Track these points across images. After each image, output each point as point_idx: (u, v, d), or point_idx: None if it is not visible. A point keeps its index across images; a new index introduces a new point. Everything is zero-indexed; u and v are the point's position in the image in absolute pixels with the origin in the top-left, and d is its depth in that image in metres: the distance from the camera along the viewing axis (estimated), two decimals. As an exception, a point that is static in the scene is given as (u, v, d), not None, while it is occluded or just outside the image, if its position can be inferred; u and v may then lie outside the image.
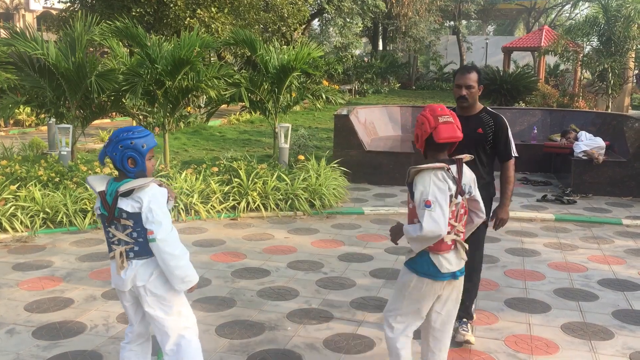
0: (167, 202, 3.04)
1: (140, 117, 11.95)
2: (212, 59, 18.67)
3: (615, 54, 13.82)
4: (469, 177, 3.15)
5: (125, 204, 2.91)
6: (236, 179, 7.64)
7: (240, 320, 4.37)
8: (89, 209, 6.77)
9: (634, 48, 14.25)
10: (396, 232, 3.17)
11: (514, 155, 4.05)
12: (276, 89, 9.52)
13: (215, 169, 8.04)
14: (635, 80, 16.92)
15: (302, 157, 9.06)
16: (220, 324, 4.28)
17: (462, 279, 3.16)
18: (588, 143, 8.79)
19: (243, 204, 7.32)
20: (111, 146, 2.92)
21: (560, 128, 10.15)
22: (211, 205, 7.23)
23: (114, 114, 14.19)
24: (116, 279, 3.03)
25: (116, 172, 3.05)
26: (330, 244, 6.32)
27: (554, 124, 10.85)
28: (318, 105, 10.37)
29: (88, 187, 6.50)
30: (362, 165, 9.23)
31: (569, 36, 15.33)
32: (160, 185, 3.02)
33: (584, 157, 8.67)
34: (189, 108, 14.97)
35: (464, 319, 4.09)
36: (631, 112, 14.69)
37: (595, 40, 14.89)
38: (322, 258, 5.83)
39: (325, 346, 3.98)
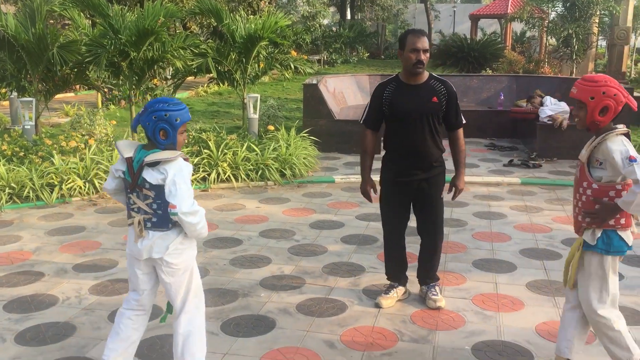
0: None
1: (106, 89, 11.74)
2: (177, 29, 18.33)
3: (579, 19, 14.01)
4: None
5: (150, 175, 2.90)
6: (206, 150, 7.61)
7: (214, 288, 4.40)
8: (56, 183, 6.68)
9: (598, 13, 14.45)
10: (609, 210, 2.91)
11: (463, 122, 3.96)
12: (244, 59, 9.42)
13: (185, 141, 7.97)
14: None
15: (271, 128, 9.05)
16: (193, 293, 4.31)
17: None
18: (553, 108, 8.95)
19: (213, 175, 7.30)
20: (145, 115, 2.91)
21: (526, 94, 10.30)
22: (181, 177, 7.18)
23: (78, 87, 13.90)
24: (132, 247, 3.02)
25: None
26: (301, 212, 6.37)
27: (520, 90, 11.00)
28: (287, 75, 10.32)
29: (53, 158, 6.40)
30: (332, 134, 9.25)
31: (534, 2, 15.44)
32: (185, 159, 2.99)
33: (548, 122, 8.84)
34: (155, 80, 14.71)
35: (432, 283, 4.16)
36: (595, 78, 14.92)
37: (560, 6, 15.04)
38: (293, 226, 5.88)
39: (298, 310, 4.05)
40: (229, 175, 7.37)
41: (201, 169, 7.39)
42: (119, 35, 8.15)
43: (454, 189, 4.03)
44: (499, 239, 5.53)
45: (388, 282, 4.26)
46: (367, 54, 31.60)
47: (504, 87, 11.23)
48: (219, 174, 7.35)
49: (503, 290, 4.40)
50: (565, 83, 10.95)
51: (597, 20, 15.04)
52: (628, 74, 18.65)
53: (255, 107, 9.19)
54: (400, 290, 4.21)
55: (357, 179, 7.72)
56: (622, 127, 2.94)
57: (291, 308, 4.08)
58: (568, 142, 8.81)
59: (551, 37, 16.51)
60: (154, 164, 2.88)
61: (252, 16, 11.67)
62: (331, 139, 9.19)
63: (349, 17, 35.78)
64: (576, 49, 14.30)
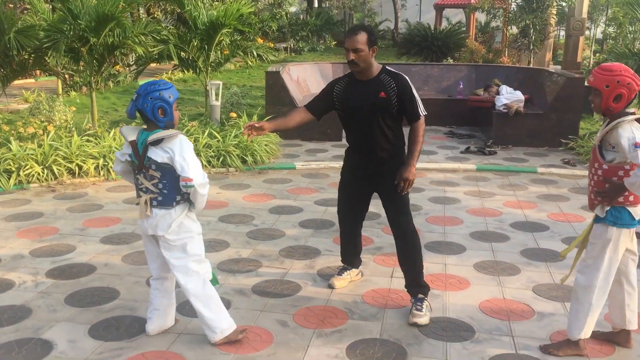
0: None
1: (66, 76, 11.59)
2: (141, 15, 18.10)
3: (536, 10, 14.34)
4: None
5: (155, 154, 3.17)
6: (167, 137, 7.61)
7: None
8: (13, 169, 6.64)
9: (554, 4, 14.80)
10: (617, 189, 3.10)
11: (422, 114, 3.78)
12: (206, 46, 9.43)
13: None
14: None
15: (234, 115, 9.10)
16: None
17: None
18: (508, 97, 9.20)
19: (174, 161, 7.32)
20: (140, 99, 3.14)
21: (485, 83, 10.55)
22: (142, 164, 7.20)
23: (38, 73, 13.66)
24: (140, 224, 3.36)
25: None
26: (261, 198, 6.48)
27: (479, 79, 11.25)
28: (249, 62, 10.34)
29: (18, 144, 6.35)
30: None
31: (495, -8, 15.74)
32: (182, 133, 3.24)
33: (504, 110, 9.10)
34: (117, 66, 14.55)
35: (420, 296, 3.85)
36: (552, 67, 15.35)
37: (519, -4, 15.37)
38: (253, 211, 5.98)
39: (253, 291, 4.17)
40: (190, 162, 7.40)
41: (162, 156, 7.40)
42: (79, 21, 8.06)
43: (400, 178, 3.74)
44: (451, 222, 5.73)
45: (342, 264, 4.38)
46: (334, 42, 31.63)
47: (463, 76, 11.47)
48: (180, 161, 7.38)
49: (451, 270, 4.59)
50: (522, 72, 11.24)
51: (554, 12, 15.41)
52: (587, 63, 19.16)
53: (217, 94, 9.22)
54: (353, 272, 4.32)
55: (317, 165, 7.86)
56: (633, 114, 3.10)
57: (247, 289, 4.20)
58: (523, 130, 9.09)
59: (511, 27, 16.85)
60: (157, 142, 3.14)
61: (216, 2, 11.66)
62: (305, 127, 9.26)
63: (316, 5, 35.72)
64: (533, 39, 14.65)
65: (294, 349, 3.42)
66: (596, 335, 3.52)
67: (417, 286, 3.89)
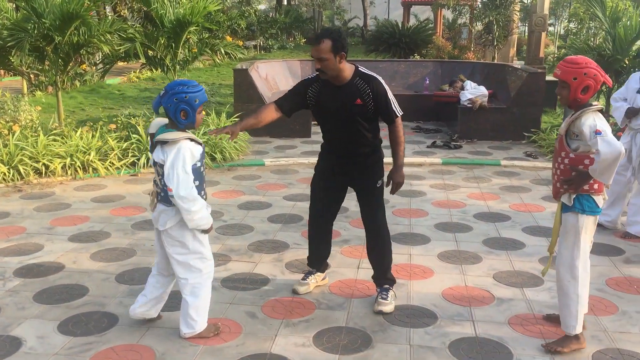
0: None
1: (32, 75, 11.44)
2: (107, 13, 17.92)
3: (500, 7, 14.65)
4: None
5: (157, 153, 3.25)
6: (135, 135, 7.62)
7: (141, 267, 4.52)
8: (-21, 170, 6.58)
9: (517, 1, 15.13)
10: (582, 177, 3.21)
11: (399, 114, 3.75)
12: (173, 44, 9.41)
13: (113, 126, 7.96)
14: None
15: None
16: (120, 272, 4.42)
17: None
18: (472, 92, 9.41)
19: (143, 159, 7.34)
20: (166, 97, 3.17)
21: (451, 79, 10.76)
22: (110, 162, 7.21)
23: (2, 73, 13.46)
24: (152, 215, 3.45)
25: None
26: (230, 194, 6.54)
27: (445, 75, 11.46)
28: (217, 60, 10.36)
29: None
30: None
31: (461, -10, 16.02)
32: (193, 140, 3.21)
33: (468, 105, 9.30)
34: (84, 66, 14.40)
35: (385, 286, 3.94)
36: (516, 63, 15.67)
37: (484, -6, 15.67)
38: (222, 207, 6.03)
39: (222, 285, 4.24)
40: (158, 160, 7.41)
41: (130, 154, 7.41)
42: (43, 19, 7.99)
43: (391, 182, 3.83)
44: (417, 214, 5.88)
45: (308, 268, 4.28)
46: (303, 40, 31.70)
47: (429, 72, 11.66)
48: (148, 159, 7.39)
49: (416, 260, 4.72)
50: (486, 68, 11.48)
51: (517, 9, 15.75)
52: (551, 59, 19.60)
53: (185, 92, 9.20)
54: (318, 276, 4.22)
55: (286, 161, 7.94)
56: (597, 105, 3.24)
57: (216, 283, 4.25)
58: (487, 124, 9.30)
59: (477, 24, 17.15)
60: (163, 142, 3.20)
61: (184, 0, 11.62)
62: (276, 125, 9.32)
63: (285, 2, 35.75)
64: (497, 36, 14.96)
65: (262, 339, 3.50)
66: (552, 318, 3.69)
67: (384, 278, 3.98)
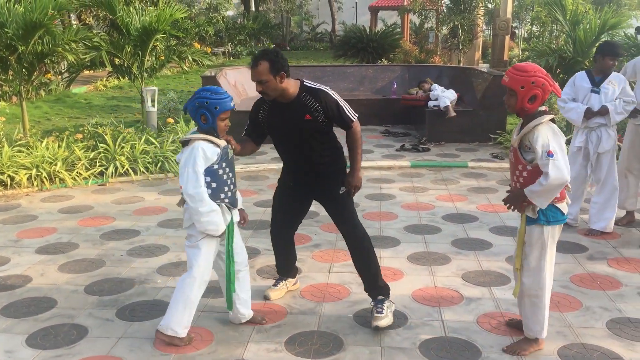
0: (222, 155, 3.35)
1: (-6, 85, 11.23)
2: (72, 22, 17.68)
3: (464, 11, 14.91)
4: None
5: (179, 154, 3.40)
6: (102, 145, 7.55)
7: (110, 278, 4.49)
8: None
9: (481, 6, 15.42)
10: (517, 197, 3.22)
11: (353, 119, 3.69)
12: (140, 52, 9.35)
13: (80, 136, 7.87)
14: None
15: (171, 120, 9.07)
16: (89, 283, 4.38)
17: None
18: (447, 94, 9.49)
19: (111, 169, 7.27)
20: (191, 100, 3.33)
21: (418, 83, 10.89)
22: (77, 172, 7.12)
23: (-36, 83, 13.14)
24: None
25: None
26: (200, 202, 6.50)
27: (412, 79, 11.60)
28: (184, 67, 10.32)
29: None
30: (232, 125, 9.23)
31: (426, -5, 16.27)
32: (211, 141, 3.30)
33: (434, 108, 9.46)
34: (49, 75, 14.18)
35: (379, 297, 3.81)
36: (481, 66, 15.95)
37: (448, -1, 15.96)
38: (192, 215, 6.00)
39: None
40: (127, 169, 7.36)
41: (98, 164, 7.33)
42: (5, 29, 7.87)
43: (347, 184, 3.77)
44: (387, 217, 5.94)
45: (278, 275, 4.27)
46: (272, 45, 31.69)
47: (397, 76, 11.79)
48: (116, 168, 7.33)
49: (386, 263, 4.78)
50: (453, 71, 11.66)
51: (481, 13, 16.05)
52: (516, 61, 19.97)
53: (153, 100, 9.16)
54: (289, 281, 4.23)
55: (257, 167, 7.94)
56: (548, 114, 3.16)
57: (187, 291, 4.24)
58: (454, 127, 9.44)
59: (442, 28, 17.42)
60: (184, 143, 3.35)
61: (151, 7, 11.55)
62: (231, 130, 9.23)
63: (253, 8, 35.72)
64: (462, 39, 15.22)
65: (233, 346, 3.51)
66: (514, 324, 3.73)
67: (375, 288, 3.82)
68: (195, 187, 3.24)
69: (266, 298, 4.14)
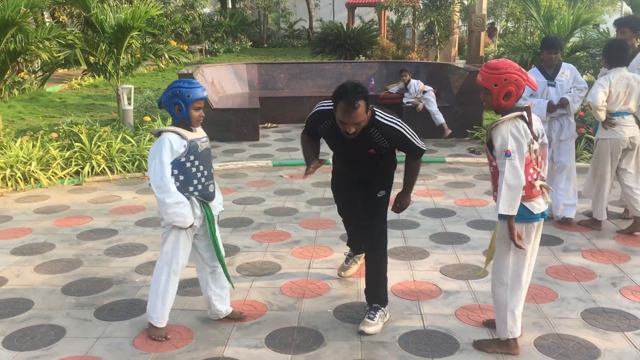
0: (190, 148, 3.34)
1: (-34, 85, 11.03)
2: (46, 20, 17.41)
3: (440, 8, 15.02)
4: (537, 121, 3.30)
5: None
6: (78, 144, 7.46)
7: (87, 278, 4.44)
8: None
9: (457, 2, 15.54)
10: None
11: (423, 149, 3.69)
12: (115, 50, 9.26)
13: (55, 135, 7.77)
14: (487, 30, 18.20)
15: (148, 119, 9.00)
16: (66, 284, 4.33)
17: (542, 220, 3.31)
18: (431, 94, 9.54)
19: (87, 168, 7.19)
20: (165, 92, 3.35)
21: (395, 79, 10.94)
22: (52, 172, 7.02)
23: None
24: None
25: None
26: (179, 200, 6.46)
27: (390, 75, 11.66)
28: (161, 64, 10.24)
29: None
30: (210, 123, 9.26)
31: (402, -9, 16.36)
32: (179, 134, 3.31)
33: (408, 104, 9.54)
34: (22, 73, 13.95)
35: (375, 304, 3.73)
36: (458, 62, 16.08)
37: (424, -5, 16.07)
38: (170, 214, 5.97)
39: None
40: (103, 168, 7.29)
41: (74, 163, 7.24)
42: (-24, 27, 7.73)
43: (398, 203, 3.88)
44: (365, 213, 5.96)
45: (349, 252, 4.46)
46: (250, 43, 31.58)
47: (374, 73, 11.84)
48: (93, 167, 7.25)
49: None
50: (429, 67, 11.75)
51: (457, 9, 16.17)
52: (492, 57, 20.16)
53: (129, 99, 9.07)
54: (359, 257, 4.43)
55: (235, 165, 7.92)
56: (515, 112, 3.12)
57: (166, 290, 4.22)
58: (431, 122, 9.51)
59: (419, 24, 17.52)
60: (157, 134, 3.40)
61: (126, 5, 11.43)
62: (209, 128, 9.15)
63: (230, 5, 35.51)
64: (439, 36, 15.32)
65: (213, 343, 3.50)
66: (490, 323, 3.68)
67: (375, 296, 3.77)
68: (161, 178, 3.26)
69: (339, 275, 4.40)
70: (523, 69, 3.21)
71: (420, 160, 3.76)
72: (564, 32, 9.22)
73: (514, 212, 3.12)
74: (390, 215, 5.81)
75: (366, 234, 3.86)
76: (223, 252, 3.65)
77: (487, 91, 3.18)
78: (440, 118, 9.41)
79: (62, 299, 4.10)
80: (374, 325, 3.63)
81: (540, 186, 3.24)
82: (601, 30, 9.96)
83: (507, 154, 3.06)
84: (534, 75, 5.53)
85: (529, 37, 18.55)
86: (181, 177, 3.35)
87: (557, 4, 12.34)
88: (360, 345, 3.48)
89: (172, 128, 3.36)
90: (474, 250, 4.96)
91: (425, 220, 5.74)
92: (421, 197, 6.50)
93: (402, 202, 3.86)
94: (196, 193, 3.41)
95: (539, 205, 3.22)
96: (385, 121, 3.46)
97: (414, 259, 4.79)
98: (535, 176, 3.20)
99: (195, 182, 3.40)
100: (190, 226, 3.41)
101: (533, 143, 3.17)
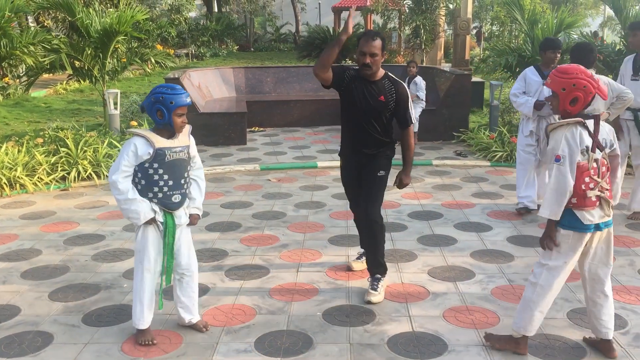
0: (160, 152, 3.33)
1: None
2: (30, 24, 17.29)
3: (426, 11, 15.12)
4: (607, 131, 3.21)
5: None
6: (63, 149, 7.41)
7: (75, 284, 4.42)
8: None
9: (442, 6, 15.66)
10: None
11: (411, 122, 4.10)
12: (101, 54, 9.22)
13: (40, 140, 7.71)
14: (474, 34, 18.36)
15: (134, 123, 8.96)
16: (53, 290, 4.30)
17: (608, 230, 3.22)
18: (422, 103, 9.56)
19: (73, 173, 7.15)
20: (147, 97, 3.34)
21: (408, 62, 10.89)
22: (38, 178, 6.97)
23: None
24: None
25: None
26: (166, 204, 6.45)
27: (376, 79, 11.68)
28: (147, 69, 10.22)
29: None
30: (197, 127, 9.24)
31: (388, -4, 16.45)
32: (148, 139, 3.31)
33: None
34: (6, 78, 13.83)
35: (377, 275, 4.19)
36: (444, 65, 16.18)
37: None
38: (158, 218, 5.95)
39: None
40: (90, 173, 7.24)
41: (60, 168, 7.19)
42: (-40, 32, 7.68)
43: (399, 180, 4.22)
44: (353, 216, 5.97)
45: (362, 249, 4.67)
46: (236, 47, 31.56)
47: (361, 76, 11.86)
48: (79, 173, 7.20)
49: (354, 261, 4.82)
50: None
51: (442, 13, 16.29)
52: (477, 60, 20.32)
53: (115, 103, 9.04)
54: None
55: (223, 169, 7.91)
56: (574, 118, 3.09)
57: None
58: (421, 126, 9.56)
59: (404, 28, 17.61)
60: None
61: (111, 9, 11.39)
62: (196, 132, 9.12)
63: (216, 9, 35.46)
64: (424, 39, 15.41)
65: (203, 348, 3.50)
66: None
67: (376, 266, 4.22)
68: (113, 174, 3.33)
69: (349, 269, 4.59)
70: (594, 77, 3.13)
71: (411, 134, 4.16)
72: (547, 35, 9.31)
73: (556, 218, 3.12)
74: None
75: (364, 210, 4.20)
76: (187, 263, 3.67)
77: (555, 95, 3.17)
78: (415, 126, 9.42)
79: (49, 305, 4.08)
80: (377, 295, 4.07)
81: (599, 197, 3.13)
82: (584, 33, 10.10)
83: (557, 159, 3.06)
84: (531, 74, 5.76)
85: (513, 41, 18.74)
86: (143, 182, 3.37)
87: (541, 8, 12.49)
88: (349, 347, 3.49)
89: (143, 132, 3.35)
90: (461, 252, 5.00)
91: (412, 222, 5.78)
92: (409, 200, 6.53)
93: (404, 180, 4.22)
94: (155, 200, 3.39)
95: (591, 217, 3.11)
96: (395, 77, 4.11)
97: (402, 261, 4.82)
98: (591, 186, 3.10)
99: (156, 189, 3.37)
100: (154, 221, 3.41)
101: (594, 152, 3.10)
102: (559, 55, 5.64)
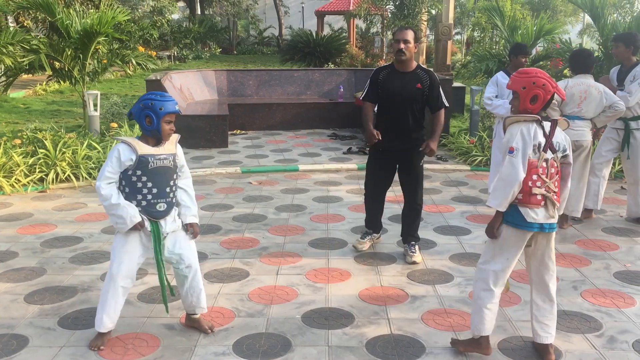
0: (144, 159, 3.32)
1: None
2: (10, 24, 17.08)
3: (408, 16, 15.22)
4: (563, 138, 3.26)
5: None
6: (42, 150, 7.33)
7: (51, 286, 4.37)
8: None
9: (424, 11, 15.77)
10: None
11: (445, 105, 4.78)
12: (81, 55, 9.13)
13: (18, 141, 7.61)
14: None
15: (114, 125, 8.89)
16: (29, 292, 4.25)
17: (552, 234, 3.26)
18: None
19: (51, 175, 7.07)
20: (136, 104, 3.34)
21: (363, 86, 11.02)
22: (15, 179, 6.88)
23: None
24: None
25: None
26: (146, 207, 6.40)
27: (358, 83, 11.76)
28: (128, 70, 10.14)
29: None
30: (179, 130, 9.03)
31: (369, 0, 16.51)
32: (131, 146, 3.31)
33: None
34: (-15, 79, 13.65)
35: (412, 242, 4.95)
36: (426, 70, 16.27)
37: (391, 4, 16.23)
38: (137, 221, 5.90)
39: (139, 299, 4.16)
40: (69, 175, 7.17)
41: (37, 170, 7.11)
42: (-64, 31, 7.56)
43: (427, 145, 4.71)
44: (334, 219, 6.00)
45: (366, 230, 5.25)
46: (219, 50, 31.48)
47: (343, 80, 11.92)
48: (57, 174, 7.13)
49: (334, 264, 4.83)
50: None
51: (424, 18, 16.40)
52: (458, 65, 20.49)
53: (95, 105, 8.96)
54: (374, 236, 5.23)
55: (204, 172, 7.88)
56: (531, 115, 3.17)
57: (132, 297, 4.17)
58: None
59: (387, 33, 17.71)
60: None
61: (92, 10, 11.29)
62: (181, 135, 9.20)
63: (199, 12, 35.33)
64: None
65: (180, 351, 3.48)
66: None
67: (411, 236, 4.98)
68: (98, 180, 3.35)
69: (355, 248, 5.06)
70: (553, 79, 3.24)
71: (442, 115, 4.79)
72: (527, 41, 9.43)
73: (502, 209, 3.19)
74: (358, 222, 5.90)
75: (409, 196, 4.96)
76: (189, 262, 3.62)
77: (516, 95, 3.25)
78: None
79: (25, 307, 4.02)
80: (418, 255, 4.85)
81: (545, 197, 3.16)
82: (563, 39, 10.23)
83: (510, 151, 3.15)
84: (502, 78, 5.99)
85: (494, 46, 18.92)
86: (127, 189, 3.36)
87: (522, 15, 12.64)
88: (327, 350, 3.50)
89: (127, 139, 3.35)
90: (440, 255, 5.03)
91: (392, 226, 5.80)
92: (389, 204, 6.54)
93: (430, 143, 4.71)
94: (139, 208, 3.37)
95: (535, 215, 3.16)
96: (428, 68, 4.78)
97: (382, 264, 4.83)
98: (538, 184, 3.15)
99: (140, 197, 3.36)
100: (141, 227, 3.38)
101: (545, 152, 3.16)
102: (527, 60, 5.94)
